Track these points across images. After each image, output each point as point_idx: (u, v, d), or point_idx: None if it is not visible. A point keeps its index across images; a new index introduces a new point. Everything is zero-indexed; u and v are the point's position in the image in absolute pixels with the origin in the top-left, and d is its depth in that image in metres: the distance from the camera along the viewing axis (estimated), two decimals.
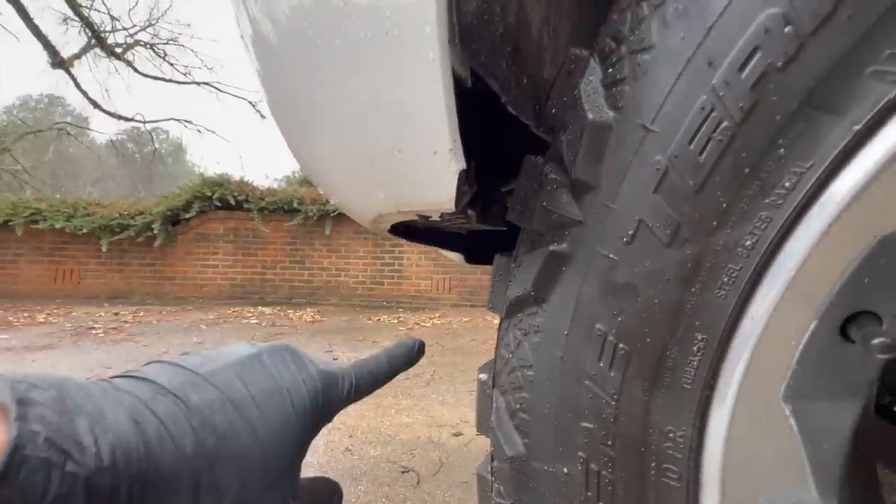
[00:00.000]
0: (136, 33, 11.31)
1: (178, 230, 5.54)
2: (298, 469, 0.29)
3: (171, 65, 11.85)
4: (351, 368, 0.33)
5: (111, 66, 11.33)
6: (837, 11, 0.21)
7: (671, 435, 0.29)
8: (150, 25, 11.56)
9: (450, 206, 0.33)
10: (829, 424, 0.26)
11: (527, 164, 0.38)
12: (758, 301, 0.26)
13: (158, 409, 0.23)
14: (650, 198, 0.28)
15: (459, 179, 0.31)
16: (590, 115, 0.30)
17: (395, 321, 4.38)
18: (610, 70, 0.30)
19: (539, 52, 0.40)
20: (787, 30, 0.22)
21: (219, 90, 12.15)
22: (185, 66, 12.12)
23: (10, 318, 4.09)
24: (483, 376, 0.44)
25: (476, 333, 3.83)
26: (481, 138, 0.40)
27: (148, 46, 11.45)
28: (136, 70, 11.27)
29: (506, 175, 0.48)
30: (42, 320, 4.07)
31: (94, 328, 3.76)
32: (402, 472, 1.40)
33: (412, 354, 0.37)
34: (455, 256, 0.79)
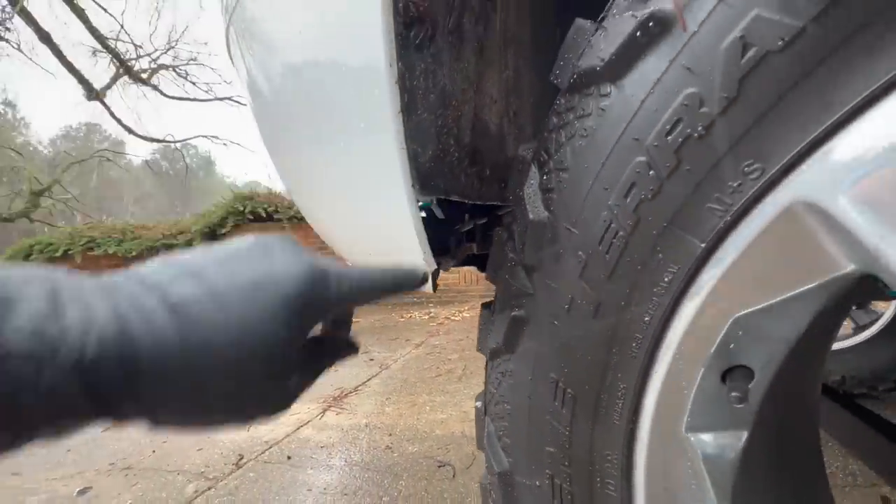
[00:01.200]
0: (158, 57, 11.84)
1: None
2: (295, 353, 0.28)
3: (194, 84, 12.34)
4: (354, 271, 0.32)
5: (139, 92, 11.94)
6: (680, 165, 0.29)
7: (609, 457, 0.38)
8: (170, 48, 12.05)
9: (430, 289, 0.42)
10: (722, 449, 0.34)
11: (496, 236, 0.47)
12: (658, 360, 0.34)
13: (145, 305, 0.23)
14: (577, 282, 0.36)
15: (433, 276, 0.40)
16: (531, 216, 0.39)
17: (426, 317, 4.53)
18: (545, 178, 0.39)
19: (500, 140, 0.49)
20: (651, 173, 0.30)
21: (239, 103, 12.56)
22: (207, 84, 12.61)
23: None
24: (478, 404, 0.54)
25: None
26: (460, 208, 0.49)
27: (171, 69, 11.97)
28: (162, 93, 11.82)
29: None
30: None
31: None
32: (439, 467, 1.53)
33: (416, 279, 0.35)
34: (470, 268, 0.89)
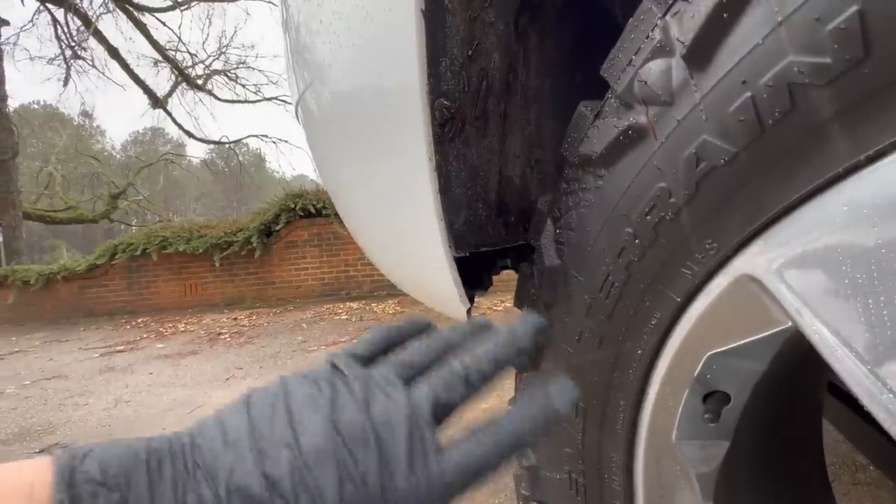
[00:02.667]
0: (210, 64, 12.60)
1: (272, 241, 6.29)
2: None
3: (244, 86, 13.04)
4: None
5: (196, 97, 12.78)
6: (658, 238, 0.37)
7: (614, 459, 0.47)
8: (221, 54, 12.76)
9: (464, 319, 0.52)
10: (706, 456, 0.42)
11: (521, 271, 0.56)
12: (650, 384, 0.42)
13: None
14: (585, 319, 0.45)
15: (468, 312, 0.50)
16: (546, 262, 0.48)
17: None
18: (558, 231, 0.47)
19: (524, 189, 0.57)
20: (636, 241, 0.38)
21: (286, 102, 13.12)
22: (255, 85, 13.25)
23: (161, 329, 5.05)
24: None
25: None
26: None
27: (222, 73, 12.71)
28: (216, 97, 12.60)
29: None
30: (183, 329, 4.96)
31: (221, 333, 4.51)
32: None
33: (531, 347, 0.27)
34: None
